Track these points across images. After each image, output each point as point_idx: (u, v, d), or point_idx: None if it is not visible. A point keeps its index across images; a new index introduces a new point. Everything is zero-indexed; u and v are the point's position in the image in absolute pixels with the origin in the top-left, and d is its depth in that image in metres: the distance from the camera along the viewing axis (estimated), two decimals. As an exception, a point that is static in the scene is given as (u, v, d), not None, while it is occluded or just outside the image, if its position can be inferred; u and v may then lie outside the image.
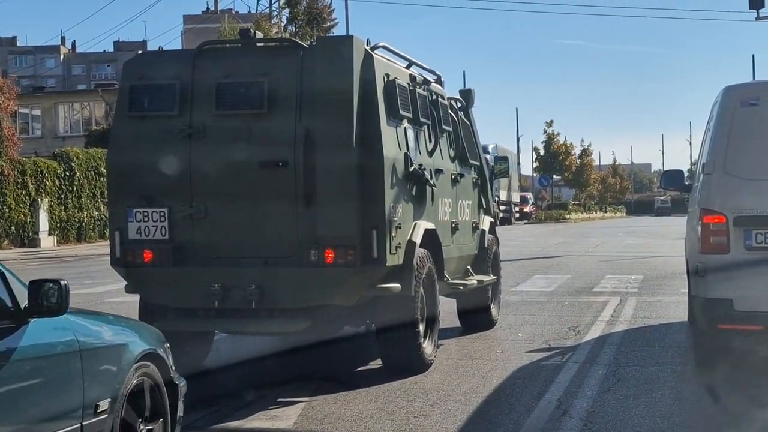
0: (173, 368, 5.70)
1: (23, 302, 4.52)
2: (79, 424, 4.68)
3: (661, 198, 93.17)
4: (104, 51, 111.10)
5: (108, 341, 5.11)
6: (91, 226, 36.48)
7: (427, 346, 8.84)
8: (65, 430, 4.57)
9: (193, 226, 8.14)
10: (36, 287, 4.53)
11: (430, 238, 8.97)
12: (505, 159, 15.13)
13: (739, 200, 7.91)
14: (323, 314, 8.23)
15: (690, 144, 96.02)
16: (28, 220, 32.94)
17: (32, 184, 33.57)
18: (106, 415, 4.88)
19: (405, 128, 8.62)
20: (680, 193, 12.11)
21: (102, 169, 35.15)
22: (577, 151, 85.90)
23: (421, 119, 9.07)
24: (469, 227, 10.93)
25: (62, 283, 4.56)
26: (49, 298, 4.53)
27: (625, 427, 6.77)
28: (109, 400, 4.91)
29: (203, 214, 8.12)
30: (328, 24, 58.51)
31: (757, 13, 25.45)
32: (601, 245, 30.51)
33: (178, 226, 8.14)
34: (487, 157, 13.61)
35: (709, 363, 8.48)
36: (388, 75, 8.36)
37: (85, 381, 4.73)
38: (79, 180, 35.86)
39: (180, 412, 5.71)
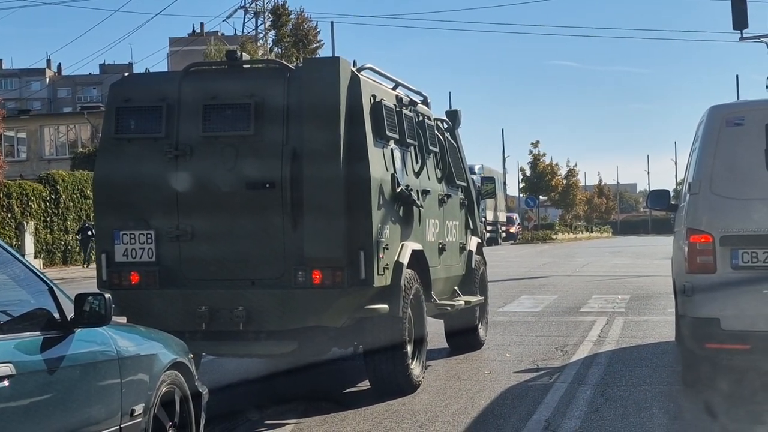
0: (197, 377, 6.07)
1: (69, 314, 4.87)
2: (118, 426, 5.10)
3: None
4: (90, 74, 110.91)
5: (141, 351, 5.50)
6: (77, 249, 36.32)
7: (415, 367, 8.82)
8: (106, 431, 4.99)
9: (180, 248, 8.11)
10: (81, 300, 4.89)
11: (418, 259, 8.96)
12: (491, 179, 15.19)
13: (726, 220, 7.94)
14: (311, 336, 8.21)
15: (675, 164, 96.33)
16: (14, 243, 32.78)
17: (18, 207, 33.44)
18: (141, 419, 5.30)
19: (392, 149, 8.62)
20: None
21: (88, 191, 35.07)
22: (563, 171, 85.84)
23: (408, 140, 9.08)
24: (456, 248, 10.93)
25: (106, 296, 4.93)
26: (93, 310, 4.89)
27: (614, 448, 6.75)
28: (143, 405, 5.33)
29: (190, 236, 8.10)
30: (314, 46, 58.69)
31: (741, 33, 25.62)
32: (587, 265, 30.54)
33: (164, 248, 8.12)
34: (474, 177, 13.65)
35: (698, 382, 8.48)
36: (374, 96, 8.38)
37: (123, 387, 5.16)
38: (64, 203, 35.74)
39: (203, 420, 6.08)
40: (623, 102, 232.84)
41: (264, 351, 8.31)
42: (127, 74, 9.74)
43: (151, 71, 9.34)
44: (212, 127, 8.06)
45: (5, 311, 4.64)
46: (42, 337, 4.65)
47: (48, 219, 35.01)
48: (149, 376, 5.46)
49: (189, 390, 5.91)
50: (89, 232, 34.51)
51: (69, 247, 35.80)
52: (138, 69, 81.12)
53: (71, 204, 36.15)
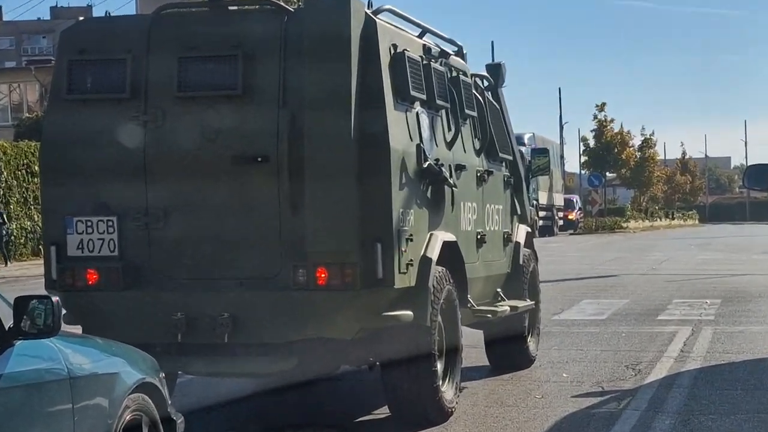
0: (170, 401, 6.10)
1: (8, 322, 4.89)
2: None
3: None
4: (39, 19, 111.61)
5: (99, 369, 5.49)
6: (21, 240, 36.52)
7: (447, 390, 8.82)
8: None
9: (149, 240, 8.14)
10: (22, 305, 4.90)
11: (450, 253, 8.96)
12: (544, 152, 15.14)
13: None
14: (314, 350, 8.21)
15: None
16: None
17: (-54, 186, 33.63)
18: None
19: (417, 113, 8.61)
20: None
21: (35, 167, 35.24)
22: (636, 141, 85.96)
23: (438, 102, 9.06)
24: (500, 239, 10.92)
25: (53, 300, 4.93)
26: (37, 317, 4.89)
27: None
28: None
29: (161, 224, 8.12)
30: (321, -17, 58.69)
31: None
32: (667, 261, 30.51)
33: (130, 240, 8.15)
34: (523, 149, 13.64)
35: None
36: (395, 46, 8.36)
37: (76, 414, 5.12)
38: (6, 181, 35.94)
39: None
40: (713, 53, 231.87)
41: (255, 369, 8.33)
42: (82, 19, 9.76)
43: (113, 15, 9.33)
44: (190, 86, 8.08)
45: None
46: None
47: (-15, 202, 35.20)
48: (109, 401, 5.47)
49: (160, 417, 5.92)
50: (0, 220, 34.45)
51: (12, 237, 35.95)
52: (98, 13, 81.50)
53: (15, 183, 36.33)
